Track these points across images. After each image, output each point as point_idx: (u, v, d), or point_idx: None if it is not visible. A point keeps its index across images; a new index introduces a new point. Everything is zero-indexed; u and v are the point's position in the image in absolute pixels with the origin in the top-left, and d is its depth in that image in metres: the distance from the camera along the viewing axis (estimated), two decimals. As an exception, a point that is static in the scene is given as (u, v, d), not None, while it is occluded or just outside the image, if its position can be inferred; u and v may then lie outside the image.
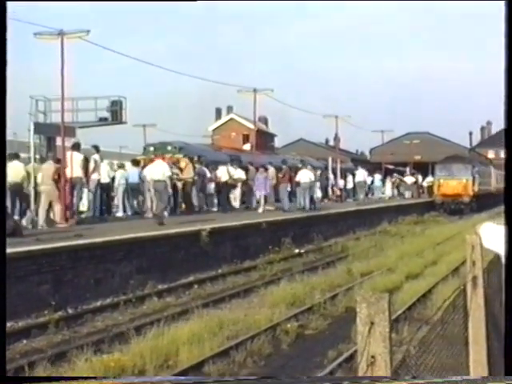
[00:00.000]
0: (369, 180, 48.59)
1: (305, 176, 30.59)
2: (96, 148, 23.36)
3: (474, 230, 6.10)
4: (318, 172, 38.87)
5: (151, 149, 34.33)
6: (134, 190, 25.38)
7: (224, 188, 29.39)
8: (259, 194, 28.94)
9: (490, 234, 5.83)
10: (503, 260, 5.36)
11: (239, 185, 30.75)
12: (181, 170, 26.86)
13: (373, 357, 2.77)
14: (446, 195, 48.59)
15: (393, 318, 3.31)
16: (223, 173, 29.36)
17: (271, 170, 32.17)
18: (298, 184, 30.92)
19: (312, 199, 31.60)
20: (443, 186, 49.07)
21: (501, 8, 4.75)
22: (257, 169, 30.81)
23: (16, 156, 20.93)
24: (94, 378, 5.27)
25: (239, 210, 29.42)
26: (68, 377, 8.42)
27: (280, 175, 31.17)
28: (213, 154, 35.39)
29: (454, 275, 17.40)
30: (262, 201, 28.57)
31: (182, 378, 7.58)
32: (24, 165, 20.96)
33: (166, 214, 22.49)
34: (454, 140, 78.99)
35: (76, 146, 22.05)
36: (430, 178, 55.75)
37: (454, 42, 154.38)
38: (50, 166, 20.21)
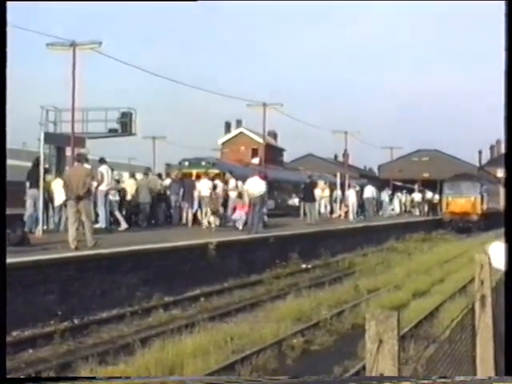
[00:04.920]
0: (381, 196, 48.49)
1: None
2: (103, 160, 23.35)
3: (483, 249, 6.07)
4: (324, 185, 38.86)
5: (186, 163, 35.26)
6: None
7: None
8: None
9: (499, 253, 5.79)
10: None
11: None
12: None
13: (381, 374, 2.76)
14: (454, 213, 48.45)
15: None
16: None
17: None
18: None
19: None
20: (451, 203, 48.96)
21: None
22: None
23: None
24: (95, 378, 5.25)
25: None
26: (68, 377, 8.40)
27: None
28: (242, 170, 35.78)
29: (461, 293, 17.32)
30: None
31: (184, 378, 7.52)
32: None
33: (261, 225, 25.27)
34: (463, 158, 78.83)
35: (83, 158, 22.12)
36: (429, 195, 55.66)
37: (469, 58, 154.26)
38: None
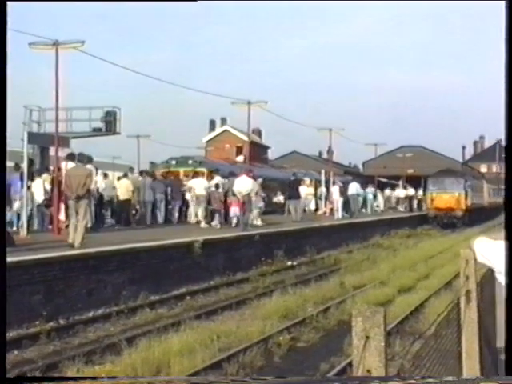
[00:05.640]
0: (365, 193, 48.39)
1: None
2: (89, 158, 23.19)
3: (468, 244, 6.09)
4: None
5: (173, 162, 35.17)
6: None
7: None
8: None
9: (484, 248, 5.81)
10: (496, 274, 5.36)
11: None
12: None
13: (368, 371, 2.77)
14: (438, 209, 48.59)
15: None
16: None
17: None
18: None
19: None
20: (436, 199, 49.09)
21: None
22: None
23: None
24: (95, 378, 5.24)
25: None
26: (68, 377, 8.39)
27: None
28: (229, 168, 35.78)
29: (446, 289, 17.40)
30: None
31: (184, 378, 7.52)
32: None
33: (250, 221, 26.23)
34: (446, 154, 79.22)
35: (71, 157, 21.99)
36: (411, 191, 55.86)
37: (449, 56, 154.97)
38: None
